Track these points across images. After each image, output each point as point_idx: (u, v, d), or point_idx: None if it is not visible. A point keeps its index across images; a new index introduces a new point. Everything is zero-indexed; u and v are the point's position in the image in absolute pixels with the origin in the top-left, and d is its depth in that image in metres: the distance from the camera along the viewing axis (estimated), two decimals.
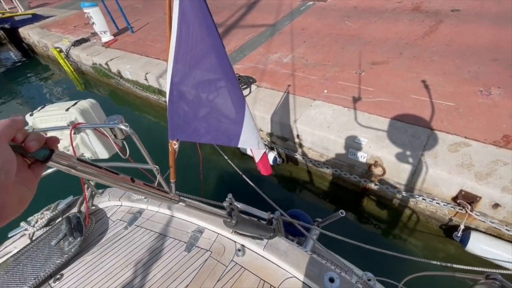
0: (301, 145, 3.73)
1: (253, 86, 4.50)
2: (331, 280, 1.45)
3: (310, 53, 5.12)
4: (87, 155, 2.27)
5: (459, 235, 2.62)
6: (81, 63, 7.77)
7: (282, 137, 3.89)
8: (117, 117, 1.76)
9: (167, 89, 1.64)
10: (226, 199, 2.14)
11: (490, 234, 2.62)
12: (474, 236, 2.53)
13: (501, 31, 4.51)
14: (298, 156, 3.78)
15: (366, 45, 4.97)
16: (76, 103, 2.16)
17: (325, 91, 4.05)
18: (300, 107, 3.84)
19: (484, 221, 2.55)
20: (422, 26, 5.20)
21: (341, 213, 1.98)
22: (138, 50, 6.81)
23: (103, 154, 2.25)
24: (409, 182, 2.90)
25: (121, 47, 7.21)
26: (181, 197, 2.16)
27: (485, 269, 2.19)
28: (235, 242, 1.82)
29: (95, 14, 7.14)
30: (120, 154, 2.04)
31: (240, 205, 2.19)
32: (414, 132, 3.09)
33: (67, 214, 2.20)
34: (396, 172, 2.94)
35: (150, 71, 5.71)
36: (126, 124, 1.60)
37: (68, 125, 1.69)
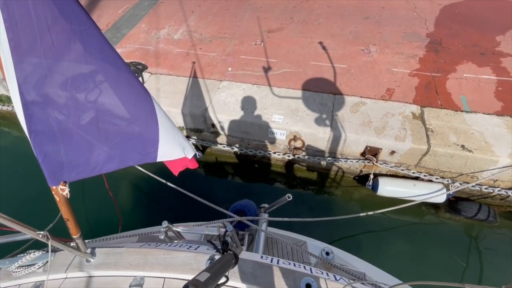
0: (218, 134, 3.44)
1: (146, 74, 3.76)
2: (308, 286, 1.35)
3: (202, 25, 4.58)
4: None
5: (370, 183, 3.05)
6: None
7: (196, 129, 3.49)
8: None
9: (17, 108, 1.04)
10: (161, 229, 1.70)
11: (391, 175, 3.15)
12: (381, 182, 2.98)
13: None
14: (218, 145, 3.51)
15: (258, 11, 4.79)
16: None
17: (230, 69, 3.75)
18: (208, 92, 3.46)
19: (385, 166, 3.01)
20: None
21: (288, 197, 1.88)
22: None
23: None
24: (326, 148, 3.11)
25: None
26: (97, 249, 1.61)
27: (394, 207, 2.64)
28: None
29: None
30: None
31: (180, 228, 1.80)
32: (321, 100, 3.24)
33: None
34: (314, 142, 3.09)
35: None
36: None
37: None
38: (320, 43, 4.03)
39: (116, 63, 1.09)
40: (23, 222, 1.17)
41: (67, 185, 1.24)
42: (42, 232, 1.19)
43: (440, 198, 2.85)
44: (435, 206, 3.19)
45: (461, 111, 3.01)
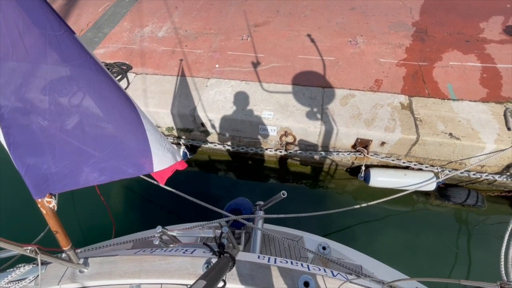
0: (209, 133, 3.40)
1: (131, 75, 3.66)
2: (306, 284, 1.35)
3: (187, 22, 4.47)
4: None
5: (362, 175, 3.08)
6: None
7: (185, 128, 3.43)
8: None
9: None
10: (155, 235, 1.67)
11: (382, 166, 3.18)
12: (373, 173, 3.01)
13: None
14: (209, 144, 3.47)
15: (244, 5, 4.69)
16: None
17: (217, 65, 3.68)
18: (195, 90, 3.40)
19: (376, 157, 3.03)
20: None
21: (283, 194, 1.87)
22: None
23: None
24: (318, 142, 3.11)
25: None
26: (90, 259, 1.56)
27: (387, 198, 2.68)
28: (186, 286, 1.47)
29: None
30: None
31: (175, 232, 1.77)
32: (310, 94, 3.23)
33: None
34: (305, 137, 3.08)
35: None
36: None
37: None
38: (307, 35, 3.99)
39: (96, 68, 1.05)
40: (9, 234, 1.13)
41: (53, 197, 1.19)
42: (29, 248, 1.15)
43: (431, 186, 2.90)
44: (426, 194, 3.25)
45: (448, 99, 3.04)
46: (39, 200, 1.17)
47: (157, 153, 1.24)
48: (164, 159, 1.28)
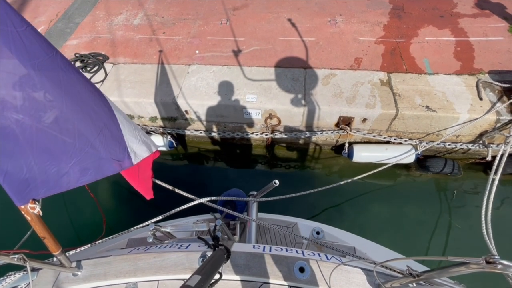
0: (193, 120, 3.38)
1: (108, 65, 3.54)
2: (301, 269, 1.39)
3: (163, 8, 4.32)
4: None
5: (346, 152, 3.17)
6: None
7: (169, 117, 3.39)
8: None
9: None
10: (148, 232, 1.60)
11: (364, 142, 3.28)
12: (356, 149, 3.11)
13: None
14: (194, 132, 3.45)
15: None
16: None
17: (197, 51, 3.62)
18: (177, 78, 3.34)
19: (358, 134, 3.12)
20: None
21: (275, 183, 1.86)
22: None
23: None
24: (302, 122, 3.16)
25: None
26: (83, 261, 1.53)
27: (370, 172, 2.78)
28: (183, 281, 1.49)
29: None
30: None
31: (169, 228, 1.76)
32: (292, 75, 3.24)
33: None
34: (290, 118, 3.12)
35: None
36: None
37: None
38: (287, 17, 3.96)
39: (63, 65, 1.01)
40: None
41: (37, 203, 1.11)
42: (17, 256, 1.10)
43: (410, 158, 3.04)
44: (407, 166, 3.40)
45: (425, 73, 3.14)
46: (22, 206, 1.11)
47: (131, 146, 1.23)
48: (139, 152, 1.28)
